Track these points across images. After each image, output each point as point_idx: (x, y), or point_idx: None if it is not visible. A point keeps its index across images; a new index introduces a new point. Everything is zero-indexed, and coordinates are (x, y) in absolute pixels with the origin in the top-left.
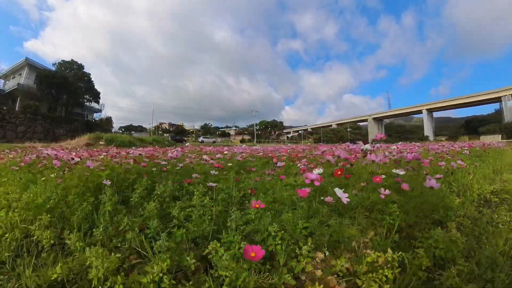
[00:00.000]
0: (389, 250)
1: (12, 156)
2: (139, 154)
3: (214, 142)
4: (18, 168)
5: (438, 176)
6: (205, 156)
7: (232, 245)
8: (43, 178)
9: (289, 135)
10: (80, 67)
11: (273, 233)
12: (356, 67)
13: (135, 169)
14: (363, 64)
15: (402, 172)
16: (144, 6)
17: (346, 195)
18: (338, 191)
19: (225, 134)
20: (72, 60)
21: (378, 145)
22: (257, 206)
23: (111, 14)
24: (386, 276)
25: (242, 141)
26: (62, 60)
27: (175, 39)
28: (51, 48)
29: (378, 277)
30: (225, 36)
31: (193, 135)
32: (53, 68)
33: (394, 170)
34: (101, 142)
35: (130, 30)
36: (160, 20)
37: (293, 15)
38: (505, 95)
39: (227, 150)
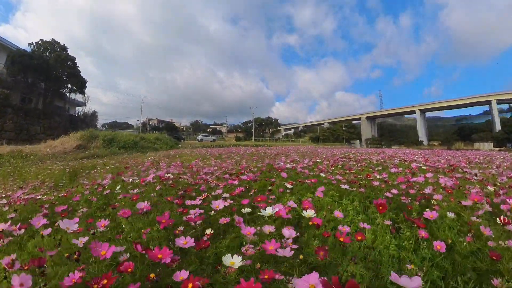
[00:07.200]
0: None
1: None
2: None
3: (213, 140)
4: None
5: None
6: None
7: None
8: None
9: (283, 133)
10: (63, 48)
11: None
12: (350, 65)
13: None
14: (358, 63)
15: None
16: None
17: None
18: None
19: (216, 132)
20: (53, 40)
21: None
22: None
23: None
24: None
25: (238, 139)
26: (40, 40)
27: (163, 27)
28: (24, 33)
29: None
30: (217, 25)
31: (184, 132)
32: (29, 49)
33: None
34: (96, 143)
35: (114, 16)
36: (147, 6)
37: (291, 8)
38: (493, 100)
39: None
